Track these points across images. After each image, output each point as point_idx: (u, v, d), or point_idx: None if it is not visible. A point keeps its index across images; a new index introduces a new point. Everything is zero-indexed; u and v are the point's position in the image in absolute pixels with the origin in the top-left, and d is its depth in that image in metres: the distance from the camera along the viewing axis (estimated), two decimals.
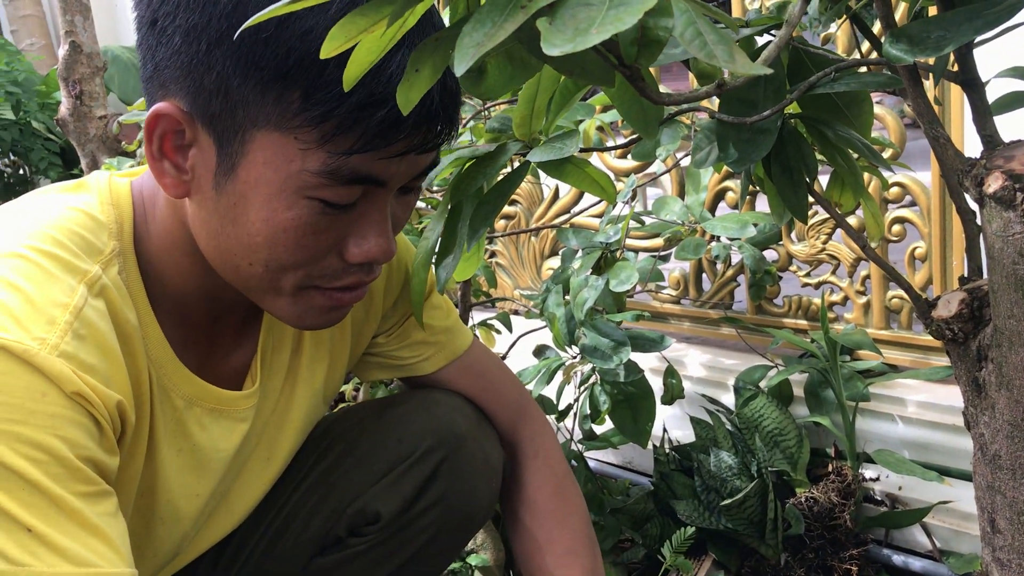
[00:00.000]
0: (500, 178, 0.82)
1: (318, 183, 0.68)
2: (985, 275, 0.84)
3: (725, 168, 1.68)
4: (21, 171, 3.51)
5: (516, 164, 0.81)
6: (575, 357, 1.31)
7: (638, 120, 0.64)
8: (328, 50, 0.52)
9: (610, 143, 1.92)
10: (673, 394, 1.44)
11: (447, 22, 0.76)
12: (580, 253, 1.29)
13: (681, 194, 1.78)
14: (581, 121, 1.19)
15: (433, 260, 0.82)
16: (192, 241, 0.77)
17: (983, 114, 0.75)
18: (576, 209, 2.10)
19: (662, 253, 1.85)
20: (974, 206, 0.84)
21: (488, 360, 1.11)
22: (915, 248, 1.59)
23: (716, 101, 0.82)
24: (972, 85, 0.75)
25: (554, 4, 0.44)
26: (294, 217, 0.69)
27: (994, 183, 0.69)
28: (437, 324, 1.05)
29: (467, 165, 0.79)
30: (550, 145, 0.71)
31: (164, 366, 0.80)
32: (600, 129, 1.55)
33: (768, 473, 1.47)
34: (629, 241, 1.89)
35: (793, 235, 1.74)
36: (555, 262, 2.17)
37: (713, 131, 0.89)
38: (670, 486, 1.56)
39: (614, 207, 1.39)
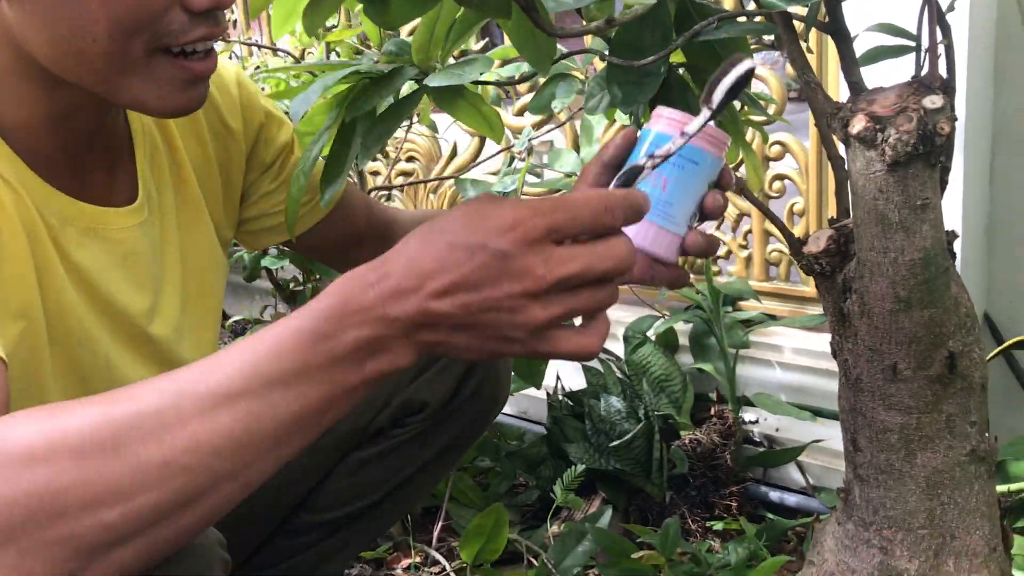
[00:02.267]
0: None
1: None
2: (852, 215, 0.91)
3: (618, 122, 1.73)
4: None
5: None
6: None
7: (532, 54, 0.67)
8: None
9: (507, 104, 1.95)
10: None
11: None
12: None
13: (577, 149, 1.83)
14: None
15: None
16: (25, 62, 0.74)
17: (850, 63, 0.81)
18: (473, 166, 2.13)
19: None
20: (843, 151, 0.91)
21: (356, 187, 1.15)
22: (794, 204, 1.68)
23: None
24: (841, 36, 0.81)
25: None
26: None
27: (858, 124, 0.75)
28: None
29: (361, 83, 0.80)
30: (449, 71, 0.73)
31: (33, 190, 0.78)
32: (499, 85, 1.58)
33: (655, 416, 1.55)
34: (524, 198, 1.93)
35: None
36: None
37: (604, 78, 0.94)
38: (563, 430, 1.62)
39: (511, 161, 1.43)
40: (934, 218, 0.77)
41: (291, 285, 1.58)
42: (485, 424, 1.17)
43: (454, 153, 2.17)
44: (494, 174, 2.02)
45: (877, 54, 0.85)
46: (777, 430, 1.64)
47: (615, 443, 1.49)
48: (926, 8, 0.75)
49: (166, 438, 0.53)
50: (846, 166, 0.80)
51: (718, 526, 1.49)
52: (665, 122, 0.76)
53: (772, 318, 1.73)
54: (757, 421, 1.65)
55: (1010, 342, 1.31)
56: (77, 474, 0.51)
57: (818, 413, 1.56)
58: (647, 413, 1.55)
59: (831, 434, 1.57)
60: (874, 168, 0.76)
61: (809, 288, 1.69)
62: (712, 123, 0.74)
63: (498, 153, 1.92)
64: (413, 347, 0.58)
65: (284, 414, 0.56)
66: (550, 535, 1.45)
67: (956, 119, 0.74)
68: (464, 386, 1.11)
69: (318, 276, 1.47)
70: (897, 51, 0.83)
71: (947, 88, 0.76)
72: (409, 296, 0.55)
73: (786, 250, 1.70)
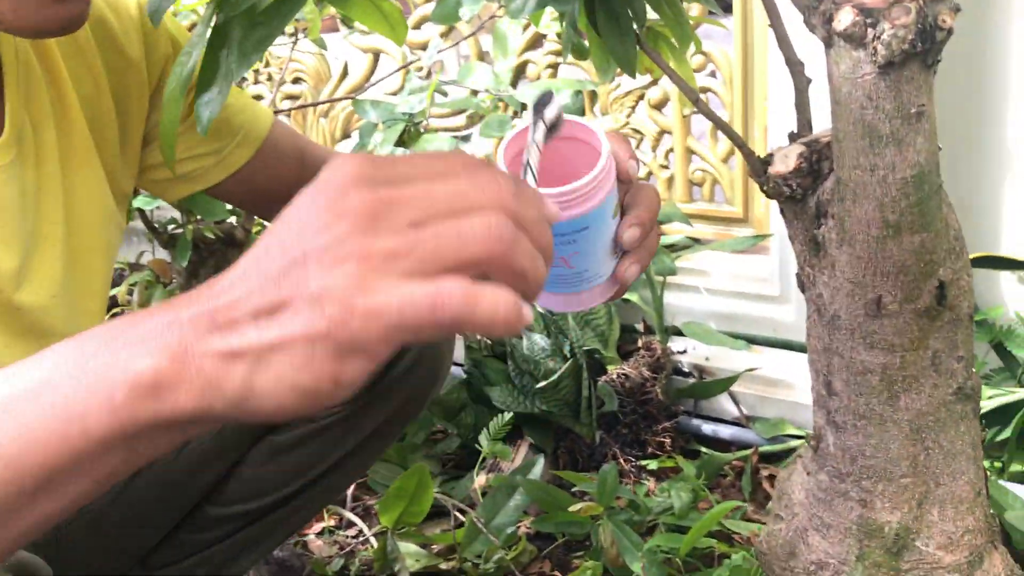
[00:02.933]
0: None
1: None
2: (815, 131, 0.80)
3: (528, 37, 1.58)
4: None
5: None
6: None
7: None
8: None
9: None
10: None
11: None
12: (381, 127, 1.17)
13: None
14: None
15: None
16: None
17: None
18: (367, 87, 1.95)
19: (463, 133, 1.75)
20: (804, 56, 0.79)
21: (287, 129, 0.98)
22: None
23: None
24: None
25: None
26: None
27: (844, 18, 0.63)
28: (233, 103, 0.90)
29: None
30: None
31: None
32: None
33: (581, 353, 1.44)
34: (429, 122, 1.78)
35: (596, 109, 1.68)
36: (347, 145, 2.02)
37: None
38: (483, 373, 1.50)
39: (408, 75, 1.27)
40: (929, 128, 0.67)
41: (169, 227, 1.40)
42: (423, 403, 1.02)
43: (345, 73, 1.99)
44: (392, 95, 1.85)
45: None
46: (707, 359, 1.55)
47: (542, 384, 1.39)
48: None
49: None
50: (827, 71, 0.68)
51: (652, 465, 1.41)
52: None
53: (696, 242, 1.64)
54: (685, 351, 1.56)
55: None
56: None
57: (752, 341, 1.49)
58: (573, 350, 1.44)
59: (763, 362, 1.50)
60: (862, 71, 0.64)
61: (736, 209, 1.59)
62: (589, 175, 0.57)
63: (395, 72, 1.75)
64: (197, 382, 0.38)
65: None
66: (477, 488, 1.34)
67: (959, 9, 0.63)
68: (399, 360, 0.95)
69: (199, 217, 1.30)
70: None
71: None
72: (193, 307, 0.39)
73: (711, 169, 1.60)
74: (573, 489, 1.28)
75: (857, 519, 0.79)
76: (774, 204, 1.53)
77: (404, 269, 0.37)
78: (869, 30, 0.62)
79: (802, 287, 0.79)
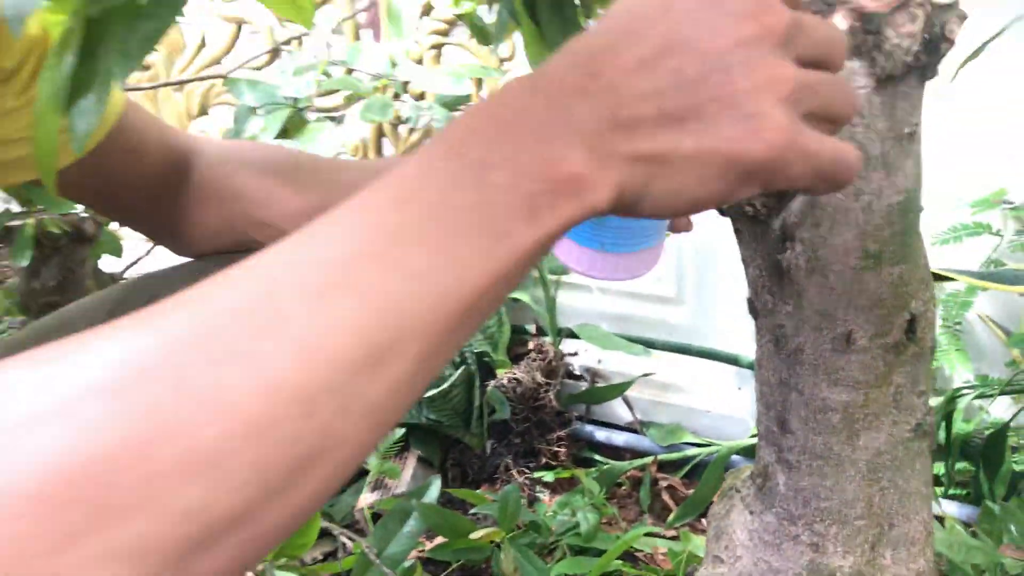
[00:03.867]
0: None
1: None
2: None
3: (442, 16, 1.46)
4: None
5: None
6: None
7: None
8: None
9: None
10: None
11: None
12: (261, 111, 1.02)
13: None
14: None
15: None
16: None
17: None
18: (228, 60, 1.78)
19: (338, 114, 1.62)
20: None
21: (148, 116, 0.83)
22: None
23: None
24: None
25: None
26: None
27: (839, 24, 0.56)
28: None
29: None
30: None
31: None
32: None
33: (473, 357, 1.35)
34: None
35: (484, 95, 1.58)
36: (206, 123, 1.83)
37: None
38: None
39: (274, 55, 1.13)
40: (917, 151, 0.60)
41: (2, 221, 1.21)
42: None
43: (203, 44, 1.81)
44: (257, 70, 1.68)
45: None
46: (600, 362, 1.49)
47: (431, 393, 1.28)
48: None
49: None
50: None
51: (548, 477, 1.33)
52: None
53: None
54: (577, 353, 1.49)
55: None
56: None
57: (647, 344, 1.43)
58: (464, 355, 1.35)
59: (657, 365, 1.44)
60: (856, 84, 0.57)
61: None
62: None
63: (267, 54, 1.59)
64: (610, 175, 0.34)
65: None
66: (364, 508, 1.22)
67: (966, 17, 0.56)
68: None
69: (42, 208, 1.12)
70: None
71: None
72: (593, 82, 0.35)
73: None
74: (472, 511, 1.19)
75: (808, 564, 0.73)
76: None
77: (816, 110, 0.37)
78: (868, 37, 0.55)
79: (754, 314, 0.72)
